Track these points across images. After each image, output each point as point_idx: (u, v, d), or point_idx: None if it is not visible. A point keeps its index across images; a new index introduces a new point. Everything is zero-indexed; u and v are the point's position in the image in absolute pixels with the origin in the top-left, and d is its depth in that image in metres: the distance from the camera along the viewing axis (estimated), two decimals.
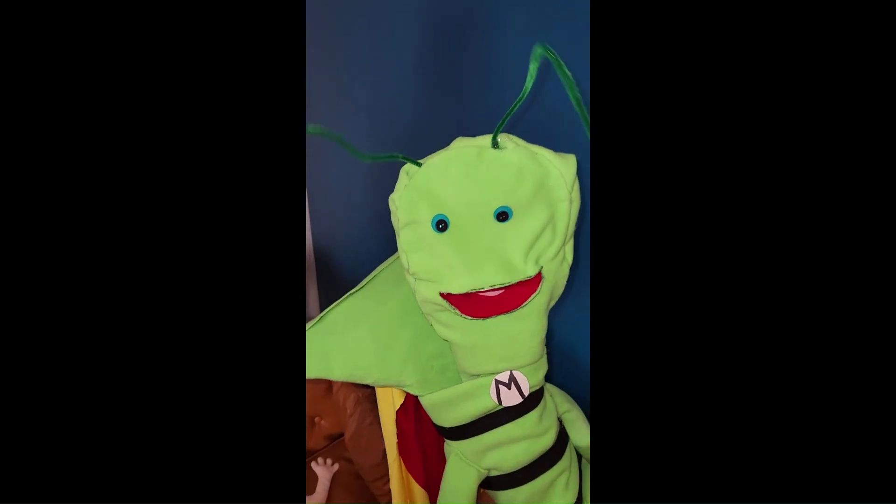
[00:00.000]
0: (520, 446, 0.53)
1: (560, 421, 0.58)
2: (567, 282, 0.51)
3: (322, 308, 1.59)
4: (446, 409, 0.53)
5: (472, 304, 0.46)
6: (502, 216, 0.45)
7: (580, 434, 0.58)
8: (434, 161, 0.45)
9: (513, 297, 0.46)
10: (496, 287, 0.45)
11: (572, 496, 0.55)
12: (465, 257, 0.45)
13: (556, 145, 0.48)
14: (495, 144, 0.44)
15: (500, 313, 0.46)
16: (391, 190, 0.48)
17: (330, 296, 1.51)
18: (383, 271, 0.57)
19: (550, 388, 0.58)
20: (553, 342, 0.62)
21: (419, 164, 0.46)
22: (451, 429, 0.53)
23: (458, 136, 0.45)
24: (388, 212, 0.49)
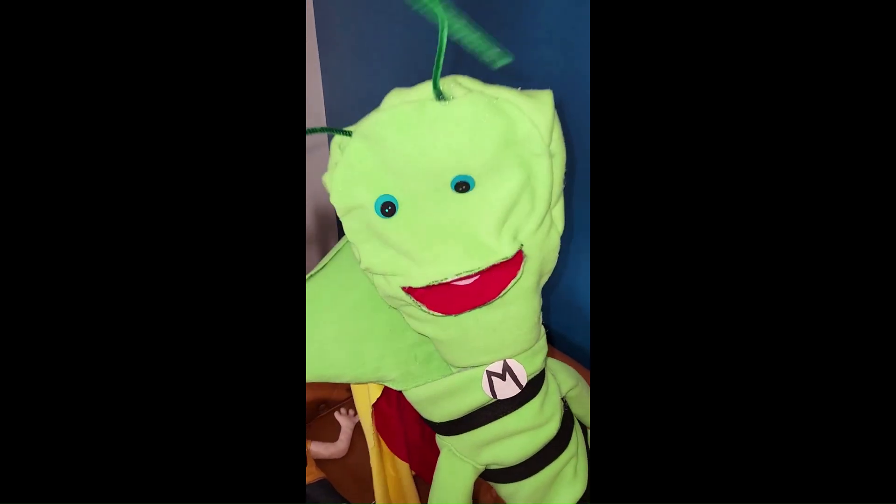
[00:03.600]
0: (520, 439, 0.47)
1: (564, 402, 0.51)
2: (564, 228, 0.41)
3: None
4: (434, 404, 0.47)
5: (440, 298, 0.38)
6: (462, 187, 0.35)
7: (585, 407, 0.53)
8: (364, 128, 0.36)
9: (488, 285, 0.37)
10: (466, 274, 0.36)
11: (581, 485, 0.49)
12: (422, 242, 0.36)
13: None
14: (439, 95, 0.34)
15: (475, 307, 0.38)
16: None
17: None
18: (347, 246, 0.47)
19: (552, 366, 0.51)
20: (552, 288, 0.54)
21: (349, 134, 0.36)
22: (440, 424, 0.48)
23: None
24: None
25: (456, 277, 0.36)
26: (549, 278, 0.45)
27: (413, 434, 0.55)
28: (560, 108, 0.37)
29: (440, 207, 0.36)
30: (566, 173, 0.39)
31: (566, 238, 0.45)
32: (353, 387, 0.52)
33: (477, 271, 0.36)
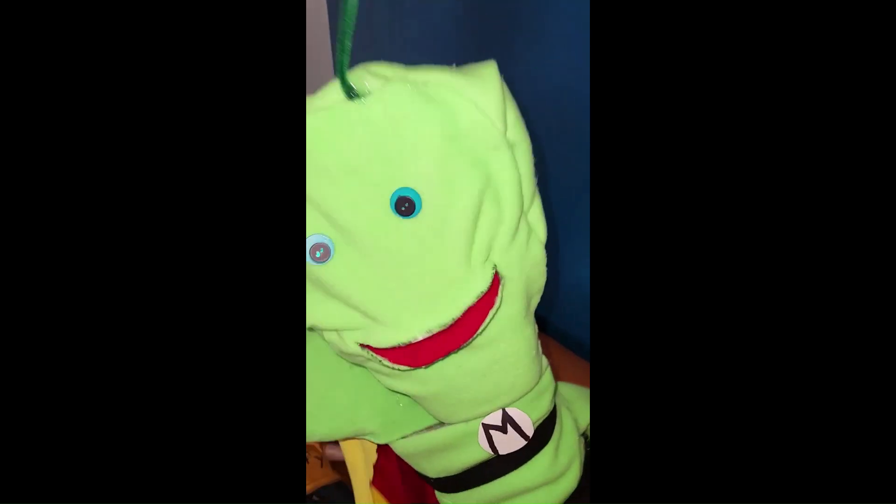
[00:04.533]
0: (534, 497, 0.38)
1: (586, 440, 0.41)
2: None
3: None
4: (426, 459, 0.38)
5: (404, 351, 0.30)
6: (404, 204, 0.27)
7: None
8: None
9: (460, 324, 0.29)
10: (439, 330, 0.28)
11: None
12: (373, 294, 0.28)
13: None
14: (350, 92, 0.25)
15: (448, 353, 0.30)
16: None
17: None
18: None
19: (567, 395, 0.41)
20: (552, 280, 0.45)
21: None
22: (436, 479, 0.39)
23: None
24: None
25: (427, 335, 0.28)
26: (548, 276, 0.34)
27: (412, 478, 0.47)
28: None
29: (385, 242, 0.27)
30: (535, 164, 0.28)
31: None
32: (342, 444, 0.42)
33: (452, 321, 0.28)
